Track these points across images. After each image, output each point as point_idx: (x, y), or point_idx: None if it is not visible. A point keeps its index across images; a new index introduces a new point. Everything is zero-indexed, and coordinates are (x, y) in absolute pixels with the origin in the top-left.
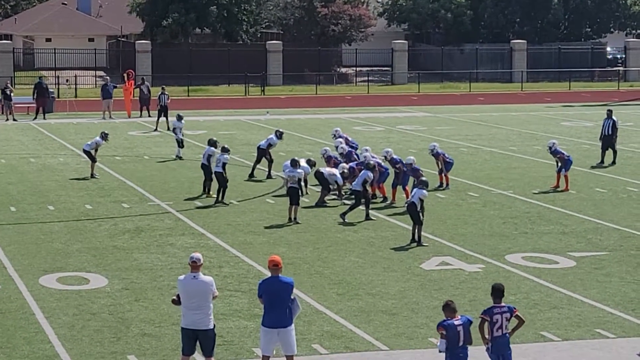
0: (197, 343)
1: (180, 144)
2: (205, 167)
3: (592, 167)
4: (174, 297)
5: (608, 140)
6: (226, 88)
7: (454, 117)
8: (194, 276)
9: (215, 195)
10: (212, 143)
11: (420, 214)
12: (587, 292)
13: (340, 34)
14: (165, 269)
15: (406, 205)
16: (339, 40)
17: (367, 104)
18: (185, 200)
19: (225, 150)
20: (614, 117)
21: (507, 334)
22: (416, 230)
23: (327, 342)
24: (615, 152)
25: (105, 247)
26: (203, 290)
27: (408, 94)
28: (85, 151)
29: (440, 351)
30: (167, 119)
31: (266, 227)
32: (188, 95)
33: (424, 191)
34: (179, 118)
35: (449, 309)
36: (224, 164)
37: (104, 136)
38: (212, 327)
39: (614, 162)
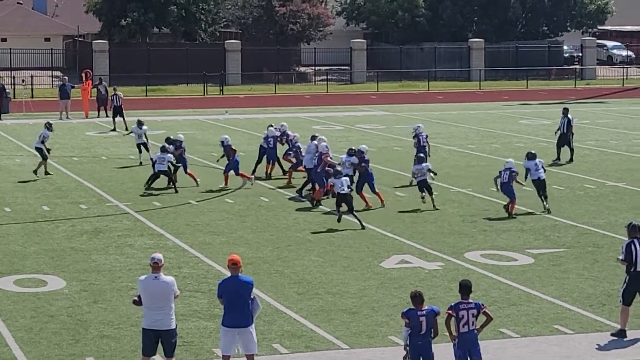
0: (158, 344)
1: (141, 148)
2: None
3: (549, 165)
4: (135, 298)
5: (564, 138)
6: (185, 88)
7: (412, 115)
8: (155, 276)
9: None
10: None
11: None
12: (546, 288)
13: (299, 33)
14: (124, 270)
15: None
16: (298, 40)
17: (326, 103)
18: (143, 198)
19: (164, 150)
20: (569, 116)
21: (474, 330)
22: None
23: (287, 342)
24: (572, 150)
25: (63, 249)
26: (165, 291)
27: (367, 93)
28: (37, 149)
29: (404, 339)
30: (123, 118)
31: (225, 227)
32: (146, 95)
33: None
34: (140, 124)
35: (417, 299)
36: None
37: (49, 126)
38: (174, 327)
39: (571, 160)
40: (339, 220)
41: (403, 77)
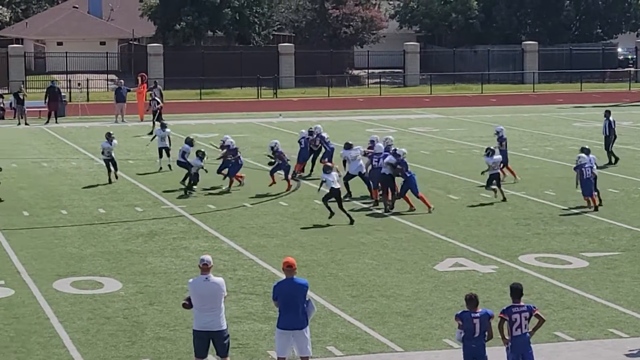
0: (210, 345)
1: (162, 153)
2: (182, 164)
3: (603, 168)
4: (185, 302)
5: (607, 141)
6: (238, 91)
7: (466, 118)
8: (206, 278)
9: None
10: (188, 141)
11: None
12: (600, 292)
13: (352, 36)
14: (179, 273)
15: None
16: (351, 43)
17: (379, 106)
18: (198, 200)
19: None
20: (611, 118)
21: (527, 334)
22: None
23: (342, 344)
24: (610, 153)
25: (119, 251)
26: (215, 292)
27: (420, 96)
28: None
29: (457, 340)
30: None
31: (280, 230)
32: (200, 99)
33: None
34: (163, 126)
35: (472, 302)
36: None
37: (107, 136)
38: (225, 328)
39: (610, 163)
40: (330, 217)
41: (456, 80)
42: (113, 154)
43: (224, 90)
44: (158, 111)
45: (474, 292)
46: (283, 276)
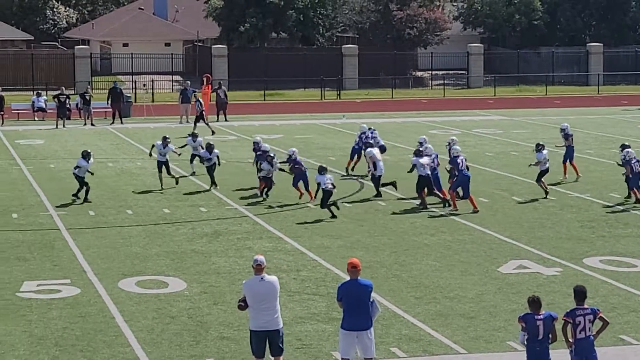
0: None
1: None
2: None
3: None
4: (240, 303)
5: None
6: (302, 92)
7: (530, 120)
8: (261, 278)
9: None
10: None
11: None
12: None
13: (416, 37)
14: (243, 273)
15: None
16: (415, 44)
17: (442, 108)
18: (261, 200)
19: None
20: None
21: (591, 336)
22: None
23: (405, 346)
24: None
25: (183, 251)
26: (271, 291)
27: (484, 97)
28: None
29: (521, 343)
30: (205, 122)
31: (343, 231)
32: (264, 100)
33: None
34: (194, 136)
35: (535, 304)
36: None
37: (164, 139)
38: (281, 327)
39: None
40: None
41: (520, 82)
42: (167, 157)
43: (287, 91)
44: (201, 114)
45: (536, 295)
46: (347, 277)
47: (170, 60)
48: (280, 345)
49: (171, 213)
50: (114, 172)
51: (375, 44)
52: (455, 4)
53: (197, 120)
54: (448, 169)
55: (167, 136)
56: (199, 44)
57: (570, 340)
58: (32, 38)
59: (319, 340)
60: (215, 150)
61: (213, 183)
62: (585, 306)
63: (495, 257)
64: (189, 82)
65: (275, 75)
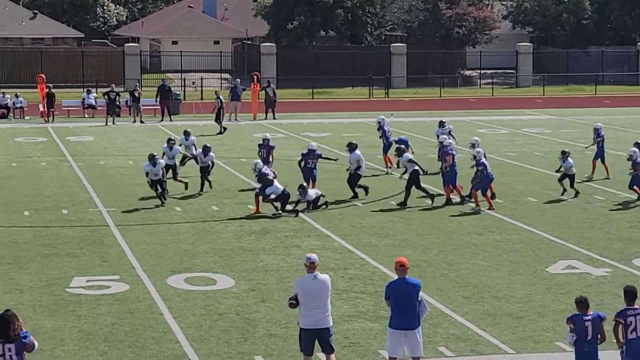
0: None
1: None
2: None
3: None
4: (292, 301)
5: None
6: (350, 90)
7: (579, 120)
8: (315, 276)
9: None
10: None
11: None
12: None
13: (465, 36)
14: (292, 271)
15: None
16: (463, 43)
17: (491, 107)
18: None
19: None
20: None
21: None
22: None
23: (453, 345)
24: None
25: (231, 248)
26: (323, 290)
27: (533, 97)
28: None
29: (570, 343)
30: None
31: (391, 230)
32: (312, 98)
33: None
34: (187, 134)
35: (582, 305)
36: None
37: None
38: (331, 325)
39: None
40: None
41: (569, 81)
42: (176, 160)
43: (335, 89)
44: (220, 111)
45: (584, 295)
46: (394, 276)
47: (219, 58)
48: (331, 343)
49: (219, 210)
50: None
51: (423, 43)
52: (504, 2)
53: (217, 117)
54: (474, 167)
55: (172, 138)
56: (248, 42)
57: (622, 340)
58: (83, 36)
59: (366, 338)
60: (211, 154)
61: (203, 185)
62: (636, 306)
63: (543, 257)
64: (238, 80)
65: (324, 73)
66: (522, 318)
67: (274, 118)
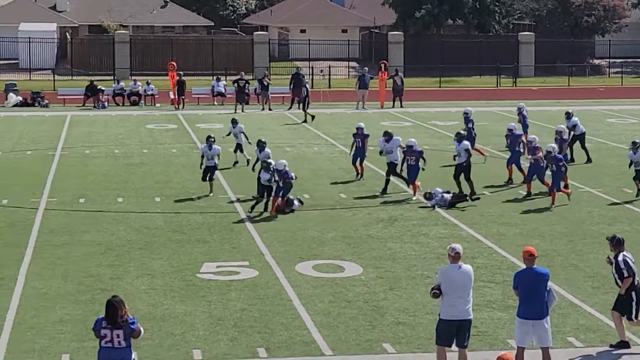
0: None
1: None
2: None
3: None
4: (435, 290)
5: None
6: (477, 79)
7: None
8: (460, 266)
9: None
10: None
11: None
12: None
13: (594, 25)
14: (419, 259)
15: None
16: (592, 32)
17: (620, 96)
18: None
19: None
20: None
21: None
22: None
23: (582, 335)
24: None
25: (359, 236)
26: (467, 281)
27: None
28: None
29: None
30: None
31: (519, 219)
32: (440, 87)
33: None
34: (234, 122)
35: None
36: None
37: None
38: (472, 317)
39: None
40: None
41: None
42: (216, 161)
43: (462, 78)
44: (306, 100)
45: None
46: (522, 265)
47: (346, 47)
48: (468, 335)
49: (347, 198)
50: (291, 156)
51: (552, 32)
52: None
53: (305, 106)
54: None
55: (212, 135)
56: (375, 30)
57: None
58: (212, 24)
59: (494, 328)
60: (267, 150)
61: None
62: None
63: None
64: (366, 68)
65: (451, 62)
66: None
67: (402, 106)
